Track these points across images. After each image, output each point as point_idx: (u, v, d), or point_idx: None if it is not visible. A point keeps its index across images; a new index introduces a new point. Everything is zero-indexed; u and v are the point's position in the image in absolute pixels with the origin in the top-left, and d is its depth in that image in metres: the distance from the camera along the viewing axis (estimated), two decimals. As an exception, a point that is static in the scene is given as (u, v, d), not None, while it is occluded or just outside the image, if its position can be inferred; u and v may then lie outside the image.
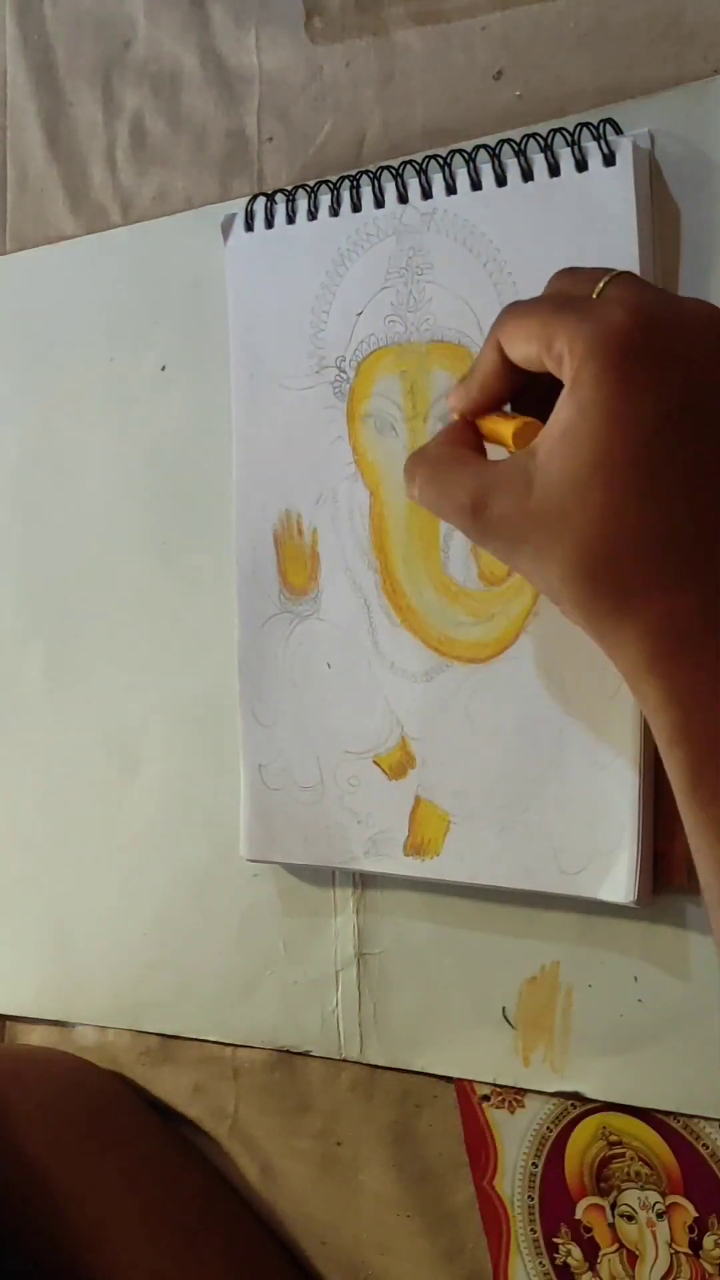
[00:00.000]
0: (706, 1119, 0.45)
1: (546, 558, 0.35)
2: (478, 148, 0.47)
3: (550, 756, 0.45)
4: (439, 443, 0.40)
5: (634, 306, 0.34)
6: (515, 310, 0.37)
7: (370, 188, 0.49)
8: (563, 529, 0.34)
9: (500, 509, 0.36)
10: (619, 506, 0.33)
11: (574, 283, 0.38)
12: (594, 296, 0.36)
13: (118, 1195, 0.51)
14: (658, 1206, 0.45)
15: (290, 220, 0.51)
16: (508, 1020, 0.48)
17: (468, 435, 0.40)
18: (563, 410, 0.34)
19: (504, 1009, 0.48)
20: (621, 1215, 0.46)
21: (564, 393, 0.34)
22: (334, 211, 0.50)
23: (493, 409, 0.40)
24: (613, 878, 0.44)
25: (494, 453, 0.40)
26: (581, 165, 0.45)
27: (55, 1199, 0.49)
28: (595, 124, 0.45)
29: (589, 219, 0.44)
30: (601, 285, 0.36)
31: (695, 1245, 0.45)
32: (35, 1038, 0.60)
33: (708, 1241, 0.44)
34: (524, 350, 0.37)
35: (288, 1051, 0.53)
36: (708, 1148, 0.45)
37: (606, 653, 0.36)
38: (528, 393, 0.39)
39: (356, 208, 0.49)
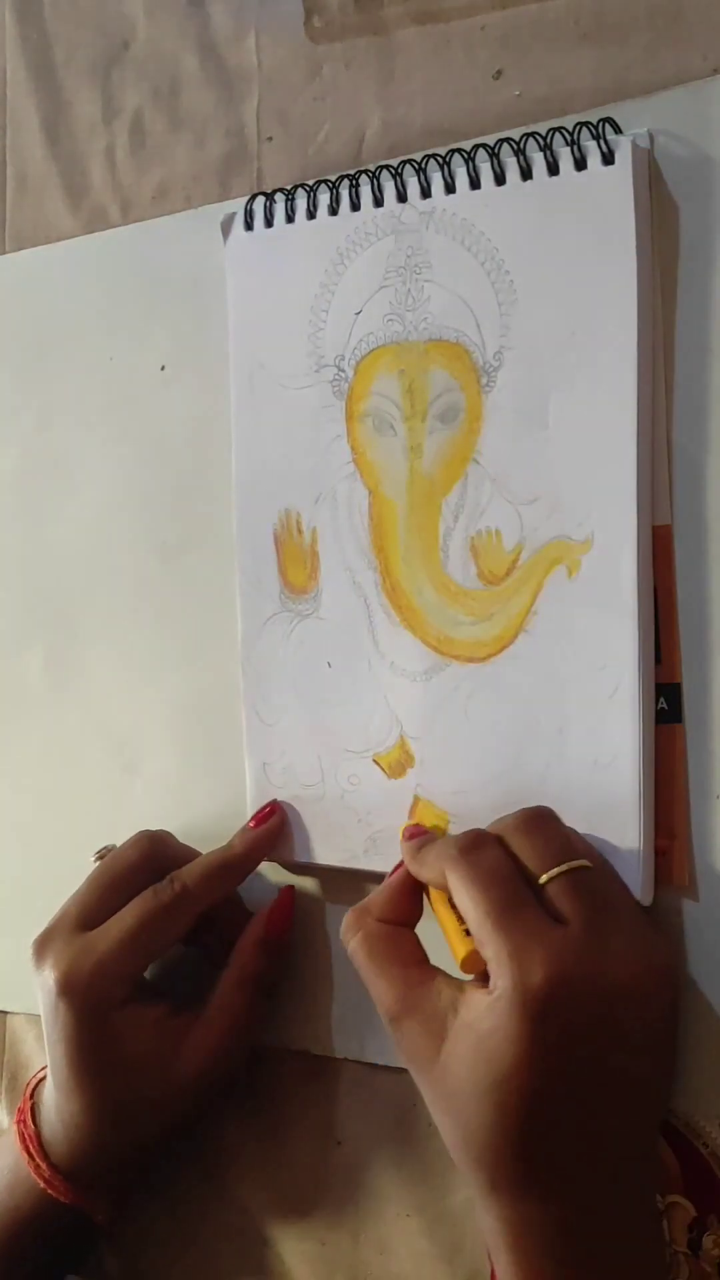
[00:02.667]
0: (706, 1118, 0.44)
1: (438, 1114, 0.40)
2: (477, 147, 0.47)
3: (549, 756, 0.45)
4: (381, 912, 0.44)
5: (559, 964, 0.37)
6: (467, 871, 0.40)
7: (369, 187, 0.49)
8: (456, 1109, 0.39)
9: (411, 1041, 0.41)
10: (505, 1126, 0.38)
11: (533, 854, 0.41)
12: (542, 884, 0.40)
13: None
14: (657, 1206, 0.45)
15: (290, 219, 0.51)
16: (507, 1020, 0.48)
17: (411, 899, 0.44)
18: (483, 1014, 0.38)
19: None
20: (621, 1215, 0.46)
21: (489, 999, 0.38)
22: (333, 210, 0.50)
23: None
24: (614, 877, 0.44)
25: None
26: (581, 164, 0.45)
27: None
28: (594, 123, 0.45)
29: (588, 218, 0.44)
30: (549, 880, 0.40)
31: (695, 1245, 0.45)
32: (34, 1035, 0.61)
33: (707, 1241, 0.44)
34: (462, 914, 0.40)
35: (287, 1049, 0.53)
36: (707, 1147, 0.45)
37: (477, 1215, 0.40)
38: None
39: (356, 207, 0.49)
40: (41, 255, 0.61)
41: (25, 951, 0.50)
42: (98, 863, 0.53)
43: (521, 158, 0.46)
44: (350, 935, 0.44)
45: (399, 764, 0.49)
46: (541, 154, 0.45)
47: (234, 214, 0.53)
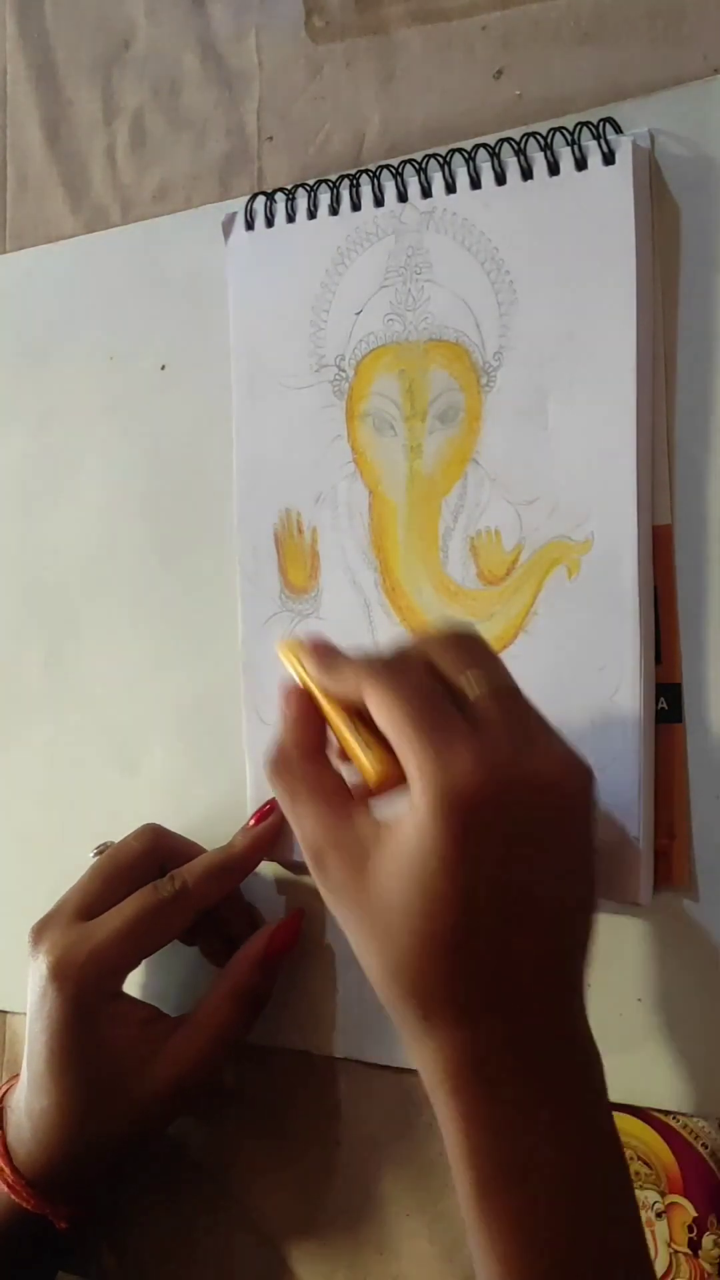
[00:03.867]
0: (706, 1119, 0.45)
1: (365, 950, 0.38)
2: (477, 147, 0.47)
3: (549, 756, 0.45)
4: (294, 741, 0.42)
5: (480, 767, 0.36)
6: (387, 683, 0.38)
7: (370, 187, 0.49)
8: (381, 936, 0.37)
9: (335, 875, 0.39)
10: (433, 945, 0.36)
11: (454, 665, 0.39)
12: (469, 693, 0.38)
13: None
14: (656, 1206, 0.45)
15: (290, 219, 0.51)
16: (507, 1020, 0.48)
17: (317, 717, 0.42)
18: (406, 833, 0.37)
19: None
20: (620, 1215, 0.46)
21: (411, 813, 0.36)
22: (334, 210, 0.50)
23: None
24: (616, 877, 0.44)
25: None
26: (581, 164, 0.45)
27: None
28: (595, 123, 0.45)
29: (588, 218, 0.44)
30: (470, 688, 0.38)
31: (694, 1245, 0.45)
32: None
33: (706, 1241, 0.44)
34: (380, 728, 0.38)
35: (287, 1049, 0.53)
36: (707, 1147, 0.45)
37: (410, 1054, 0.39)
38: None
39: (356, 207, 0.49)
40: (42, 255, 0.61)
41: (25, 951, 0.50)
42: (96, 859, 0.53)
43: (522, 157, 0.46)
44: (275, 777, 0.42)
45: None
46: (542, 154, 0.45)
47: (234, 214, 0.53)
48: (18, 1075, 0.52)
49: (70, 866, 0.53)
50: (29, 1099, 0.50)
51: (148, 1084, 0.49)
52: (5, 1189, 0.50)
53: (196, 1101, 0.52)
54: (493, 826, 0.36)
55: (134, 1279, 0.57)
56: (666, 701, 0.44)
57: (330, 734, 0.42)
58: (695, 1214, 0.45)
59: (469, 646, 0.40)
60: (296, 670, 0.43)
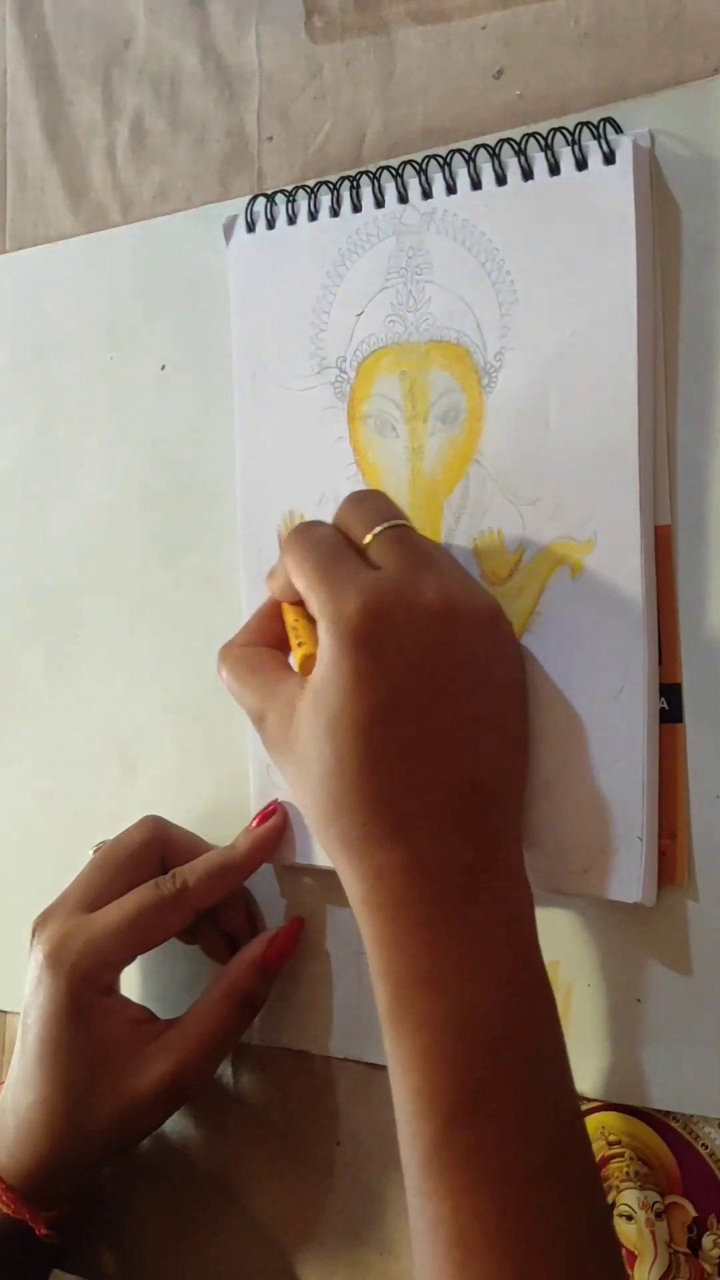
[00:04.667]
0: (706, 1119, 0.45)
1: (295, 788, 0.42)
2: (478, 147, 0.47)
3: (554, 756, 0.45)
4: (245, 639, 0.47)
5: (372, 595, 0.40)
6: (295, 544, 0.43)
7: (370, 188, 0.49)
8: (306, 772, 0.41)
9: (272, 730, 0.43)
10: (344, 769, 0.39)
11: (357, 521, 0.43)
12: (364, 544, 0.42)
13: None
14: (657, 1206, 0.45)
15: (291, 221, 0.51)
16: (507, 1020, 0.48)
17: (275, 622, 0.46)
18: (315, 675, 0.41)
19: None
20: (620, 1215, 0.46)
21: (319, 648, 0.41)
22: (334, 212, 0.50)
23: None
24: (618, 876, 0.44)
25: None
26: (582, 164, 0.45)
27: None
28: (595, 123, 0.45)
29: (589, 218, 0.44)
30: (370, 539, 0.42)
31: (694, 1245, 0.45)
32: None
33: (707, 1241, 0.44)
34: (295, 588, 0.43)
35: (286, 1049, 0.53)
36: (706, 1147, 0.45)
37: (343, 886, 0.41)
38: None
39: (356, 208, 0.49)
40: (41, 255, 0.61)
41: (24, 951, 0.50)
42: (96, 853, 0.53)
43: (522, 158, 0.46)
44: (220, 666, 0.46)
45: (400, 764, 0.49)
46: (542, 154, 0.45)
47: (235, 216, 0.53)
48: (2, 1081, 0.52)
49: (70, 866, 0.53)
50: (15, 1096, 0.50)
51: (136, 1082, 0.49)
52: None
53: (183, 1104, 0.51)
54: (383, 649, 0.39)
55: (133, 1279, 0.57)
56: (666, 701, 0.44)
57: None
58: (695, 1214, 0.45)
59: (368, 503, 0.44)
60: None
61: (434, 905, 0.39)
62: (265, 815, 0.52)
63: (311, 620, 0.43)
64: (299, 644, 0.44)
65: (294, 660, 0.44)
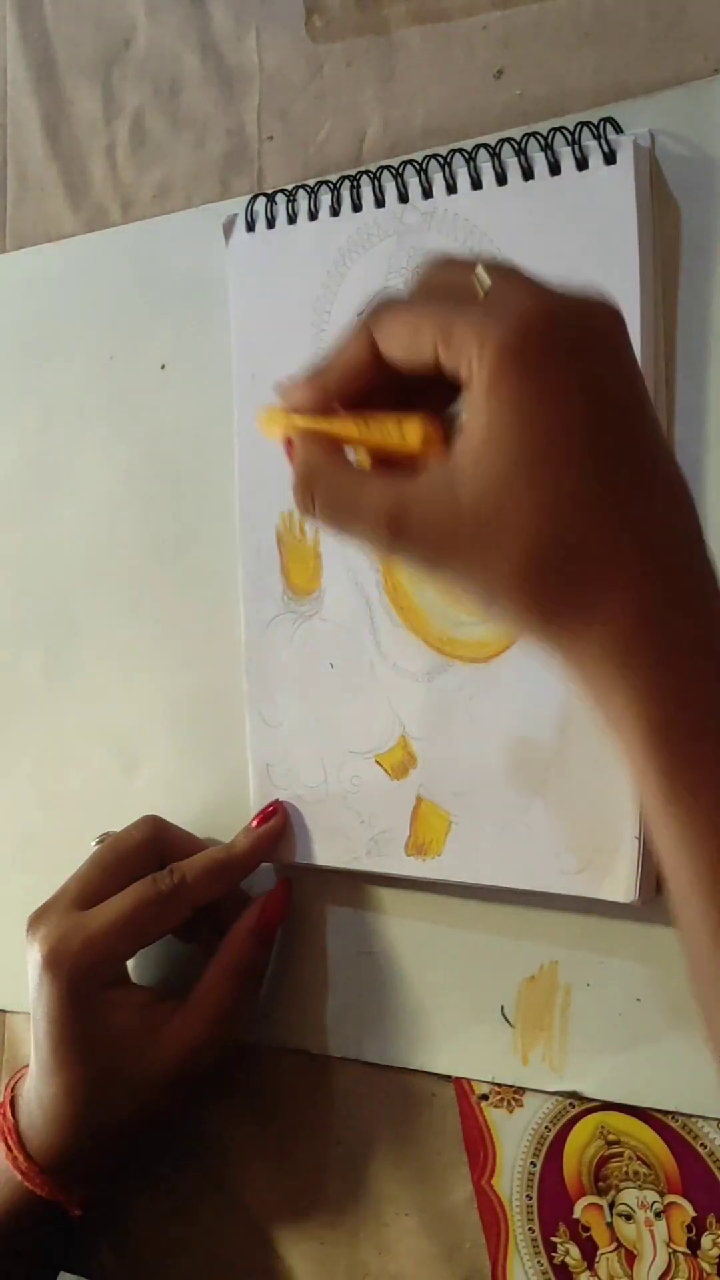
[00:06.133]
0: (705, 1118, 0.45)
1: (488, 565, 0.33)
2: (478, 147, 0.47)
3: (551, 756, 0.45)
4: (321, 457, 0.38)
5: (537, 299, 0.33)
6: (398, 304, 0.36)
7: (371, 187, 0.49)
8: (506, 534, 0.33)
9: (425, 519, 0.34)
10: (566, 502, 0.32)
11: (450, 273, 0.36)
12: (480, 291, 0.34)
13: None
14: (656, 1206, 0.45)
15: (291, 220, 0.51)
16: (506, 1019, 0.48)
17: (328, 440, 0.38)
18: (480, 413, 0.33)
19: (503, 1008, 0.48)
20: (620, 1215, 0.46)
21: (475, 394, 0.33)
22: (335, 211, 0.50)
23: (346, 405, 0.37)
24: (614, 877, 0.44)
25: None
26: (582, 164, 0.45)
27: None
28: (596, 123, 0.45)
29: (589, 217, 0.44)
30: (483, 274, 0.34)
31: (693, 1245, 0.45)
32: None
33: (705, 1241, 0.44)
34: (409, 346, 0.35)
35: (285, 1048, 0.53)
36: (705, 1147, 0.45)
37: (563, 659, 0.34)
38: (380, 394, 0.37)
39: (357, 207, 0.49)
40: (42, 254, 0.61)
41: (23, 952, 0.50)
42: (96, 847, 0.53)
43: (523, 157, 0.46)
44: (307, 492, 0.37)
45: (401, 765, 0.49)
46: (543, 154, 0.45)
47: (235, 216, 0.53)
48: (28, 1066, 0.52)
49: (71, 865, 0.53)
50: (38, 1086, 0.50)
51: (152, 1067, 0.49)
52: (19, 1177, 0.50)
53: (206, 1083, 0.52)
54: (569, 367, 0.32)
55: (133, 1278, 0.57)
56: (667, 701, 0.44)
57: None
58: (695, 1214, 0.45)
59: (459, 259, 0.36)
60: (291, 428, 0.39)
61: (703, 633, 0.32)
62: (266, 815, 0.52)
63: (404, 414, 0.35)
64: (401, 424, 0.35)
65: (404, 439, 0.35)
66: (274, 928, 0.51)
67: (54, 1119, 0.50)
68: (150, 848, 0.52)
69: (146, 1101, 0.50)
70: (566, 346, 0.32)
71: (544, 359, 0.32)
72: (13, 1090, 0.53)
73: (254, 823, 0.52)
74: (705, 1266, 0.44)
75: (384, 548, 0.36)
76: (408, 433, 0.35)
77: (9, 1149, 0.51)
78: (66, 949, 0.49)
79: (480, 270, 0.34)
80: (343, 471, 0.37)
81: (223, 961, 0.50)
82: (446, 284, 0.36)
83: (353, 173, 0.50)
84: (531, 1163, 0.48)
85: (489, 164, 0.46)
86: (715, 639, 0.32)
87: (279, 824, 0.51)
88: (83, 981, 0.49)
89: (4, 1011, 0.62)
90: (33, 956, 0.50)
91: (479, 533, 0.33)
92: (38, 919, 0.50)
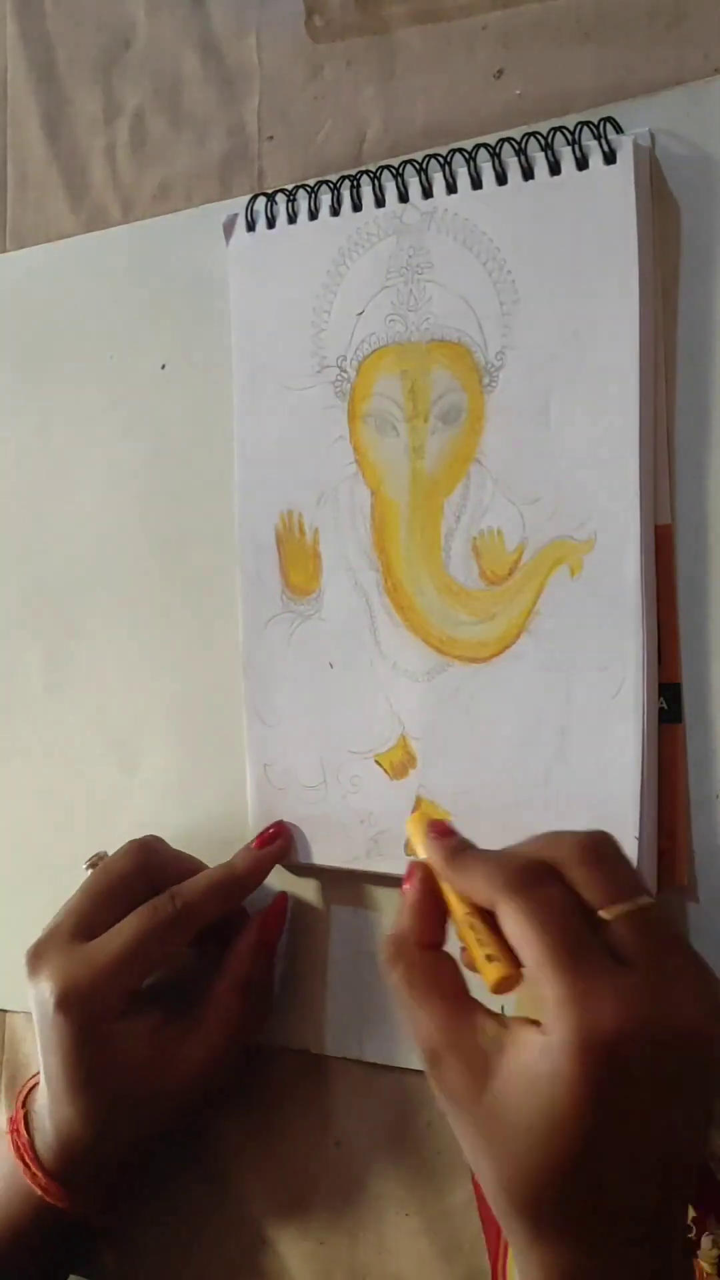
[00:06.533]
0: (706, 1118, 0.45)
1: (479, 1158, 0.37)
2: (478, 146, 0.47)
3: (551, 756, 0.45)
4: (417, 933, 0.41)
5: (630, 1009, 0.35)
6: (526, 899, 0.37)
7: (371, 187, 0.49)
8: (499, 1151, 0.36)
9: (453, 1082, 0.38)
10: (549, 1168, 0.35)
11: (596, 884, 0.38)
12: (604, 919, 0.37)
13: None
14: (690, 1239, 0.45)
15: (291, 220, 0.51)
16: (507, 1019, 0.48)
17: (435, 904, 0.41)
18: (535, 1057, 0.36)
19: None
20: (620, 1214, 0.46)
21: (545, 1038, 0.36)
22: (334, 211, 0.50)
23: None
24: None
25: None
26: (582, 164, 0.45)
27: None
28: (596, 123, 0.45)
29: (590, 217, 0.44)
30: (614, 914, 0.37)
31: (694, 1245, 0.45)
32: (34, 1035, 0.60)
33: (705, 1241, 0.44)
34: (516, 949, 0.37)
35: (285, 1048, 0.53)
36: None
37: (516, 1256, 0.38)
38: None
39: (357, 207, 0.49)
40: (42, 254, 0.61)
41: (24, 948, 0.50)
42: (89, 870, 0.53)
43: (523, 157, 0.46)
44: (393, 966, 0.41)
45: (401, 764, 0.49)
46: (543, 153, 0.45)
47: (235, 215, 0.53)
48: (38, 1075, 0.52)
49: (69, 867, 0.53)
50: (51, 1109, 0.50)
51: (166, 1091, 0.49)
52: (39, 1192, 0.50)
53: (221, 1097, 0.52)
54: (629, 1073, 0.35)
55: (134, 1279, 0.57)
56: (666, 701, 0.44)
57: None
58: (695, 1214, 0.45)
59: (610, 864, 0.38)
60: (422, 846, 0.42)
61: None
62: (266, 839, 0.52)
63: (490, 924, 0.39)
64: (487, 955, 0.38)
65: (481, 971, 0.39)
66: (275, 942, 0.52)
67: (70, 1141, 0.50)
68: (140, 875, 0.51)
69: (163, 1121, 0.50)
70: (629, 1069, 0.35)
71: (602, 1072, 0.35)
72: (24, 1106, 0.53)
73: (254, 844, 0.52)
74: (705, 1266, 0.44)
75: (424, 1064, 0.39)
76: (488, 969, 0.38)
77: (26, 1165, 0.51)
78: (76, 988, 0.48)
79: (613, 909, 0.37)
80: (424, 972, 0.40)
81: (229, 979, 0.51)
82: (574, 904, 0.37)
83: (353, 172, 0.50)
84: (532, 1163, 0.48)
85: (489, 164, 0.46)
86: None
87: (279, 849, 0.51)
88: (96, 1018, 0.49)
89: (4, 1011, 0.62)
90: (39, 995, 0.49)
91: (483, 1129, 0.37)
92: (39, 955, 0.50)
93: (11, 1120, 0.53)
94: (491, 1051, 0.37)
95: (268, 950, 0.51)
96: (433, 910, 0.41)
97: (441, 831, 0.42)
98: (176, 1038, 0.50)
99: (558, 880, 0.38)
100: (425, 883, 0.42)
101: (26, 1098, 0.53)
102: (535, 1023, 0.37)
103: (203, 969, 0.52)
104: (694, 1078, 0.37)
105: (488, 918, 0.39)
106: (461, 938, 0.40)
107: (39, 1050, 0.50)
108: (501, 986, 0.38)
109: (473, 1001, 0.39)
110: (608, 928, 0.37)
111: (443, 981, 0.40)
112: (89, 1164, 0.50)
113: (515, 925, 0.37)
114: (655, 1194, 0.37)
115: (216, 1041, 0.50)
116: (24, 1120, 0.52)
